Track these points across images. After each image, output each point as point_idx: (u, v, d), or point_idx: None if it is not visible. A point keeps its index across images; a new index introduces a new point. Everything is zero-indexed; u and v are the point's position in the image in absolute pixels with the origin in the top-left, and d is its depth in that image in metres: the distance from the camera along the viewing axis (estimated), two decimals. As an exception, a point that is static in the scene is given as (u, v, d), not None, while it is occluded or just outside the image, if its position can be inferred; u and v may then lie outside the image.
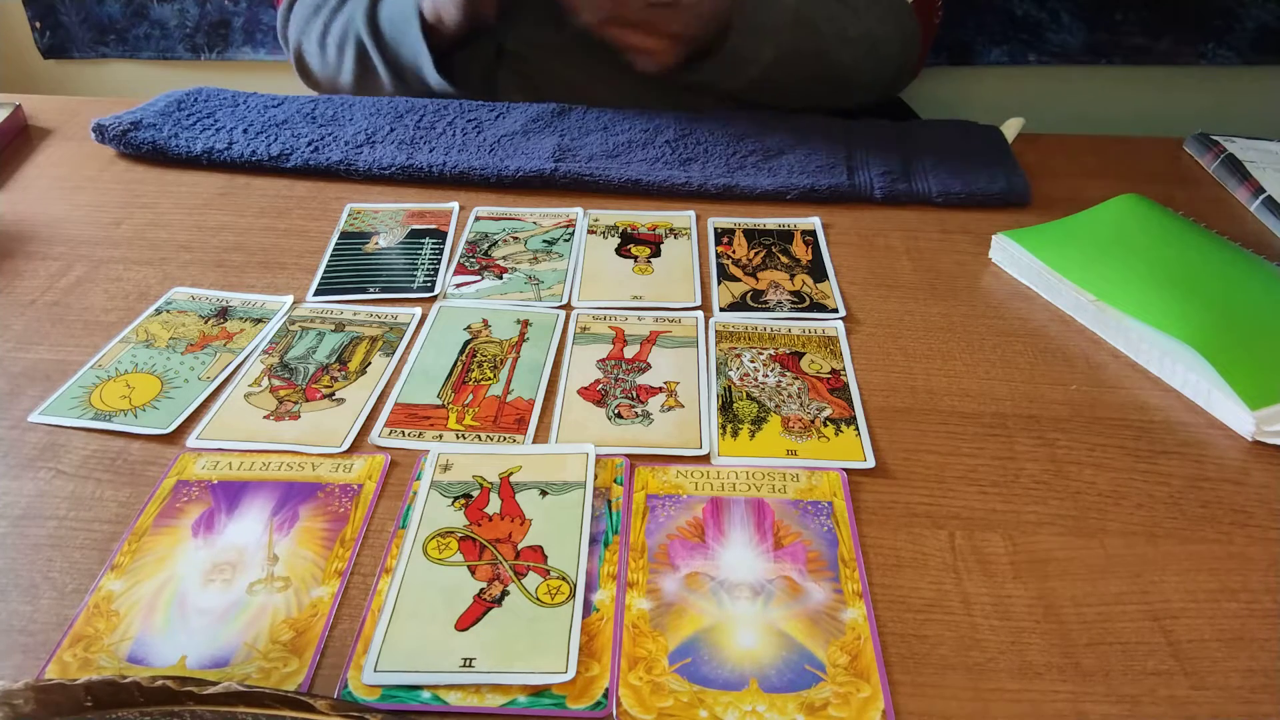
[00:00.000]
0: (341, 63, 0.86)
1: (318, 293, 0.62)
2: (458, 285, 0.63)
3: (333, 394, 0.54)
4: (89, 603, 0.41)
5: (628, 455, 0.49)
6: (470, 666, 0.39)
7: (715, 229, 0.70)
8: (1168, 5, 1.20)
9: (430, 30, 0.79)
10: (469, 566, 0.43)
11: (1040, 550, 0.45)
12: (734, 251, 0.67)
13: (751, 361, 0.56)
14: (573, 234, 0.69)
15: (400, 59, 0.82)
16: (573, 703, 0.37)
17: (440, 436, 0.51)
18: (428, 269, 0.65)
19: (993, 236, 0.67)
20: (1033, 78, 1.29)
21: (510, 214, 0.72)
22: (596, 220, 0.71)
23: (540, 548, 0.44)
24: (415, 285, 0.63)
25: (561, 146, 0.77)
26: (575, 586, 0.42)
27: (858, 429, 0.51)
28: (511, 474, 0.48)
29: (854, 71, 0.83)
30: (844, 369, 0.56)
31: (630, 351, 0.57)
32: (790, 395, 0.54)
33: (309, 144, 0.77)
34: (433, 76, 0.81)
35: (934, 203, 0.73)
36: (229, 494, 0.47)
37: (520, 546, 0.44)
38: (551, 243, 0.68)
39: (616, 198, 0.74)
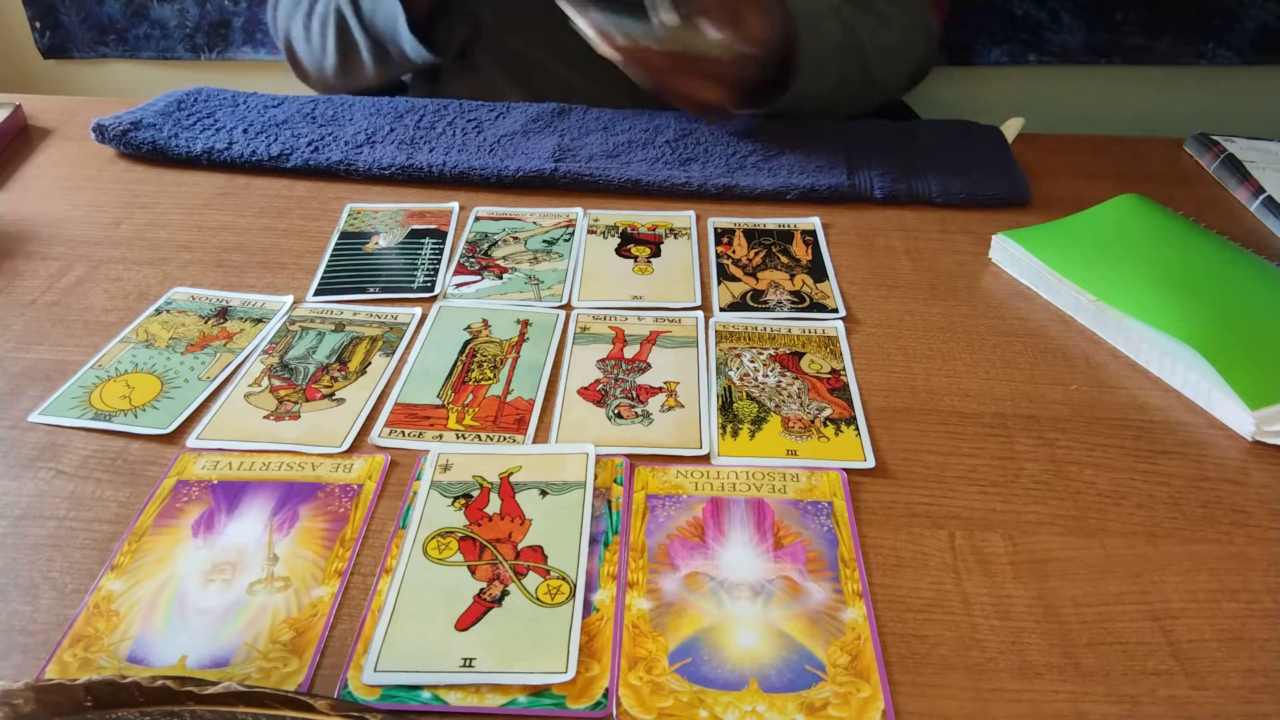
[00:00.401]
0: (325, 43, 0.86)
1: (318, 293, 0.62)
2: (458, 285, 0.63)
3: (333, 394, 0.54)
4: (89, 603, 0.41)
5: (628, 455, 0.49)
6: (470, 666, 0.39)
7: (715, 229, 0.70)
8: (1168, 5, 1.20)
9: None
10: (469, 566, 0.43)
11: (1040, 550, 0.45)
12: (734, 251, 0.67)
13: (751, 361, 0.56)
14: (573, 234, 0.69)
15: (377, 26, 0.82)
16: (573, 703, 0.37)
17: (440, 436, 0.51)
18: (428, 269, 0.65)
19: (993, 236, 0.67)
20: (1033, 78, 1.29)
21: (510, 214, 0.72)
22: (596, 220, 0.71)
23: (540, 548, 0.44)
24: (415, 285, 0.63)
25: (561, 146, 0.77)
26: (575, 586, 0.42)
27: (858, 429, 0.51)
28: (511, 474, 0.48)
29: (891, 80, 0.84)
30: (844, 369, 0.56)
31: (630, 351, 0.57)
32: (790, 395, 0.54)
33: (309, 144, 0.77)
34: (408, 39, 0.81)
35: (934, 203, 0.73)
36: (229, 494, 0.47)
37: (520, 546, 0.44)
38: (551, 243, 0.68)
39: (616, 198, 0.74)
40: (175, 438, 0.50)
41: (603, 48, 0.68)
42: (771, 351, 0.57)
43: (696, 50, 0.68)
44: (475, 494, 0.47)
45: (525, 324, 0.60)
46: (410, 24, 0.80)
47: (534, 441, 0.51)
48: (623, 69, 0.71)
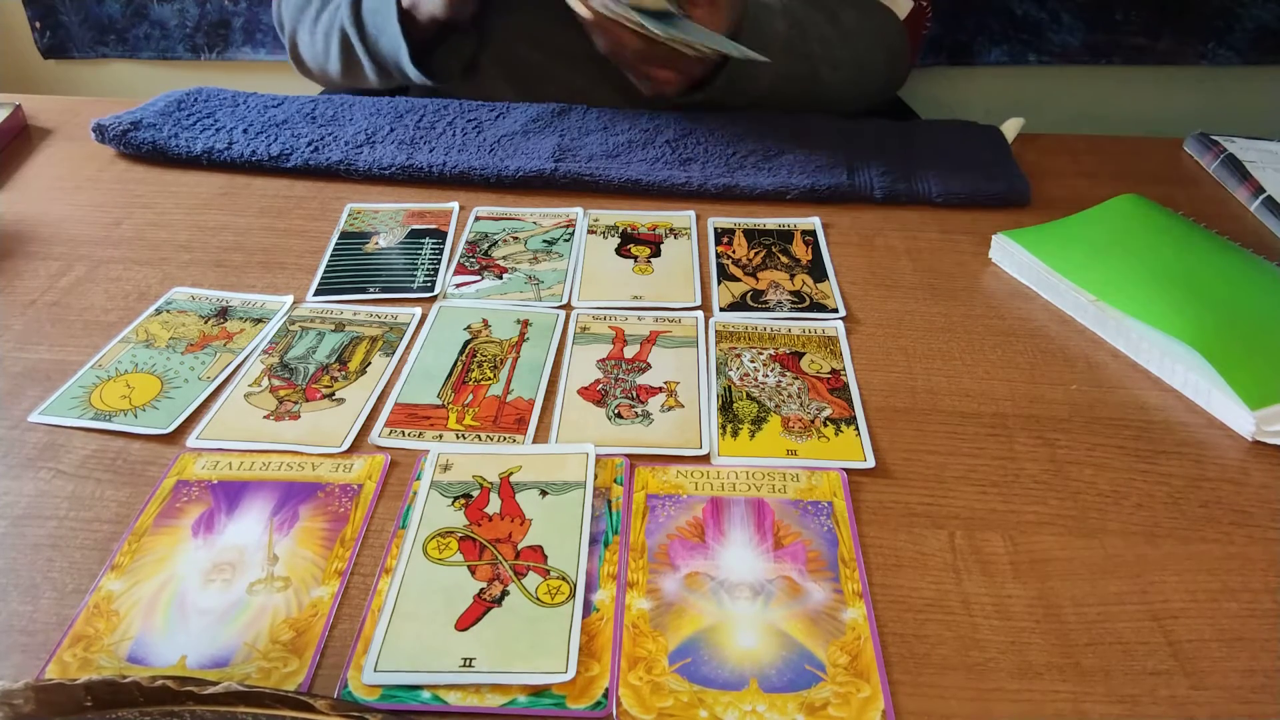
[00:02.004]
0: (329, 52, 0.86)
1: (318, 293, 0.62)
2: (458, 285, 0.63)
3: (333, 394, 0.54)
4: (89, 603, 0.41)
5: (628, 455, 0.49)
6: (470, 666, 0.39)
7: (715, 229, 0.70)
8: (1168, 5, 1.20)
9: (409, 22, 0.79)
10: (469, 566, 0.43)
11: (1040, 550, 0.45)
12: (734, 251, 0.67)
13: (751, 361, 0.56)
14: (573, 234, 0.69)
15: (381, 51, 0.83)
16: (573, 703, 0.37)
17: (440, 436, 0.51)
18: (428, 269, 0.65)
19: (993, 236, 0.67)
20: (1033, 78, 1.29)
21: (510, 214, 0.72)
22: (596, 220, 0.71)
23: (540, 548, 0.44)
24: (415, 285, 0.63)
25: (561, 146, 0.77)
26: (575, 586, 0.42)
27: (858, 429, 0.51)
28: (511, 474, 0.48)
29: (840, 90, 0.85)
30: (844, 369, 0.56)
31: (630, 351, 0.57)
32: (790, 395, 0.54)
33: (309, 144, 0.77)
34: (410, 70, 0.81)
35: (934, 203, 0.73)
36: (229, 494, 0.47)
37: (520, 546, 0.44)
38: (551, 243, 0.68)
39: (616, 198, 0.74)
40: (175, 438, 0.50)
41: (580, 8, 0.69)
42: (771, 351, 0.57)
43: (678, 47, 0.69)
44: (475, 494, 0.47)
45: (525, 324, 0.60)
46: (411, 54, 0.80)
47: (534, 441, 0.51)
48: (588, 30, 0.73)
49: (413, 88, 0.91)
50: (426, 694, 0.38)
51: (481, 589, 0.42)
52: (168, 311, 0.60)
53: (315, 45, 0.88)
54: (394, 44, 0.81)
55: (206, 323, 0.59)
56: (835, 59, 0.82)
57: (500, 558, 0.43)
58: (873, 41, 0.85)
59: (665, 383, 0.55)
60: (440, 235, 0.69)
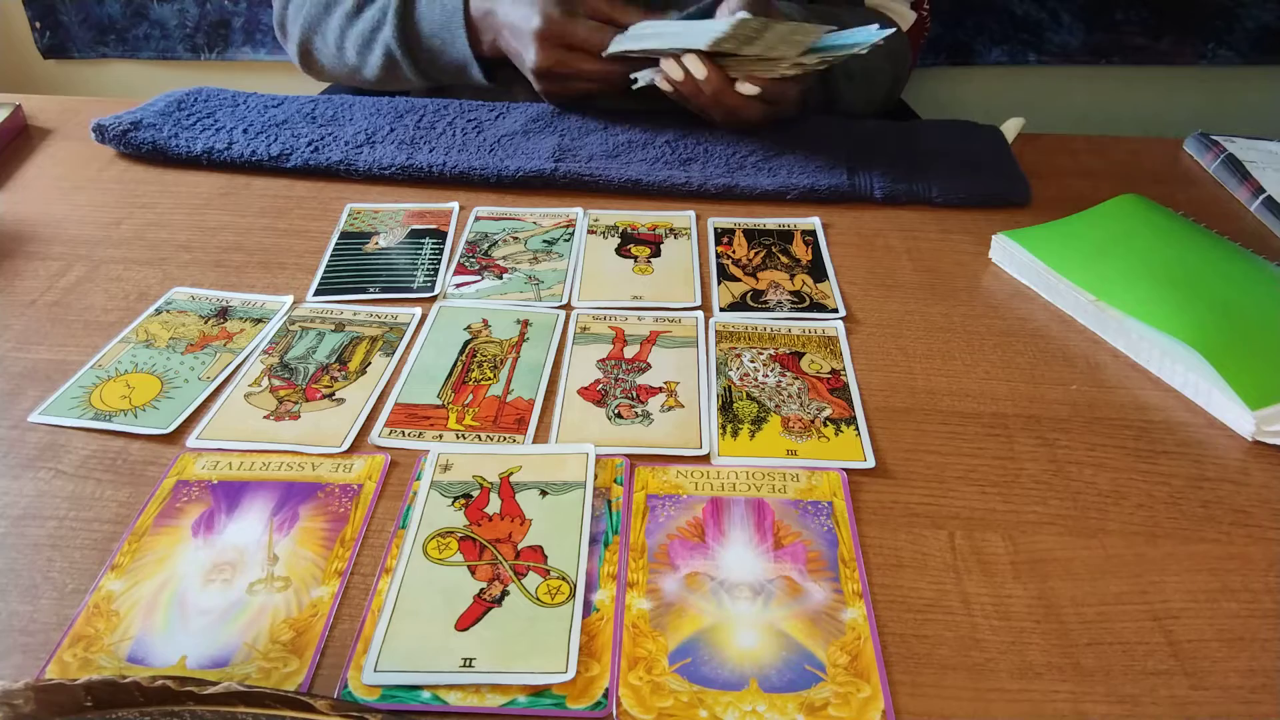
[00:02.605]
0: (365, 63, 0.86)
1: (318, 293, 0.62)
2: (458, 285, 0.63)
3: (333, 394, 0.54)
4: (89, 603, 0.41)
5: (628, 455, 0.49)
6: (470, 666, 0.39)
7: (715, 229, 0.70)
8: (1168, 5, 1.20)
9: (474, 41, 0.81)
10: (469, 566, 0.43)
11: (1040, 550, 0.45)
12: (734, 251, 0.67)
13: (751, 361, 0.56)
14: (573, 234, 0.69)
15: (437, 68, 0.84)
16: (573, 703, 0.37)
17: (440, 436, 0.51)
18: (428, 269, 0.65)
19: (993, 236, 0.67)
20: (1033, 78, 1.29)
21: (510, 214, 0.72)
22: (596, 220, 0.71)
23: (540, 548, 0.44)
24: (415, 285, 0.63)
25: (561, 146, 0.77)
26: (575, 586, 0.42)
27: (858, 429, 0.51)
28: (511, 474, 0.48)
29: (851, 99, 0.86)
30: (844, 369, 0.56)
31: (630, 351, 0.57)
32: (790, 395, 0.54)
33: (309, 144, 0.77)
34: (480, 81, 0.83)
35: (934, 203, 0.73)
36: (229, 494, 0.47)
37: (520, 546, 0.44)
38: (551, 243, 0.68)
39: (616, 198, 0.74)
40: (175, 438, 0.50)
41: (749, 89, 0.71)
42: (771, 351, 0.57)
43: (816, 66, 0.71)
44: (475, 494, 0.47)
45: (525, 324, 0.60)
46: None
47: (534, 441, 0.51)
48: (714, 115, 0.75)
49: (415, 89, 0.91)
50: (426, 694, 0.38)
51: (481, 589, 0.42)
52: (168, 311, 0.60)
53: (345, 58, 0.87)
54: (459, 62, 0.82)
55: (206, 323, 0.59)
56: (849, 70, 0.83)
57: (500, 558, 0.43)
58: (882, 52, 0.86)
59: (665, 383, 0.55)
60: (440, 235, 0.69)
